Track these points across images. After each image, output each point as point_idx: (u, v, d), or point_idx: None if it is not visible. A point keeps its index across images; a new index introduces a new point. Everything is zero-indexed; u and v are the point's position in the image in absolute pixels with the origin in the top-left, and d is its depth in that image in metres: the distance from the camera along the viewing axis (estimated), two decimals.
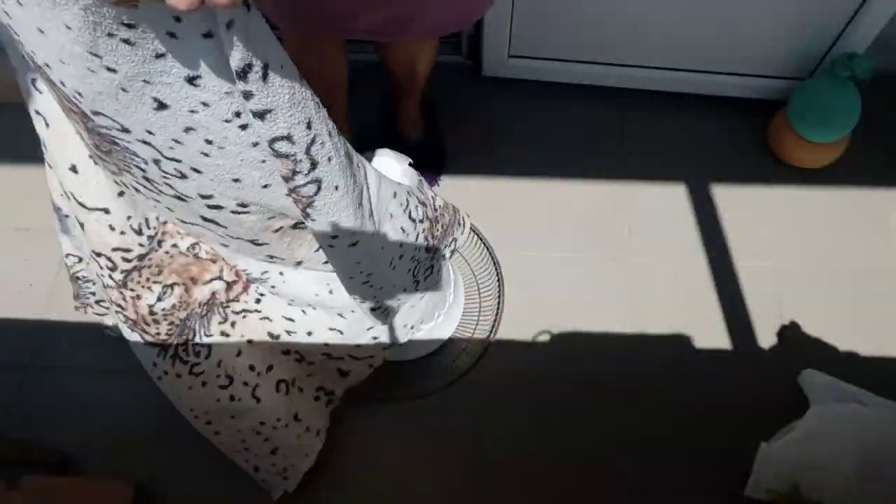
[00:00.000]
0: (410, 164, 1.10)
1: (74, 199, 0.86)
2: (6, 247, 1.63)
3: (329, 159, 0.74)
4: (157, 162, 0.71)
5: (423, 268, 1.09)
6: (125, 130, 0.67)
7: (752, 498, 1.31)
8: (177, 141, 0.68)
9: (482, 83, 1.79)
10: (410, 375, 1.46)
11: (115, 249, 0.89)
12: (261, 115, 0.65)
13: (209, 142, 0.68)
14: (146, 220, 0.91)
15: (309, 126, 0.70)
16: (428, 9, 1.14)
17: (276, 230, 0.87)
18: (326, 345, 1.11)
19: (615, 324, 1.52)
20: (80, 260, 1.19)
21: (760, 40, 1.59)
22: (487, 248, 1.60)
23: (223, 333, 1.07)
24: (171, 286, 0.98)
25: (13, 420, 1.44)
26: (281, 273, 0.99)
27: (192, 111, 0.65)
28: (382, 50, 1.44)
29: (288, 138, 0.68)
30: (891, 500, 1.20)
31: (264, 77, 0.63)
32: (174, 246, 0.96)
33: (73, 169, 0.83)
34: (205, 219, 0.82)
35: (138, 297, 0.96)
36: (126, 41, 0.57)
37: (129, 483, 1.33)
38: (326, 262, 0.92)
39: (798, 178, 1.67)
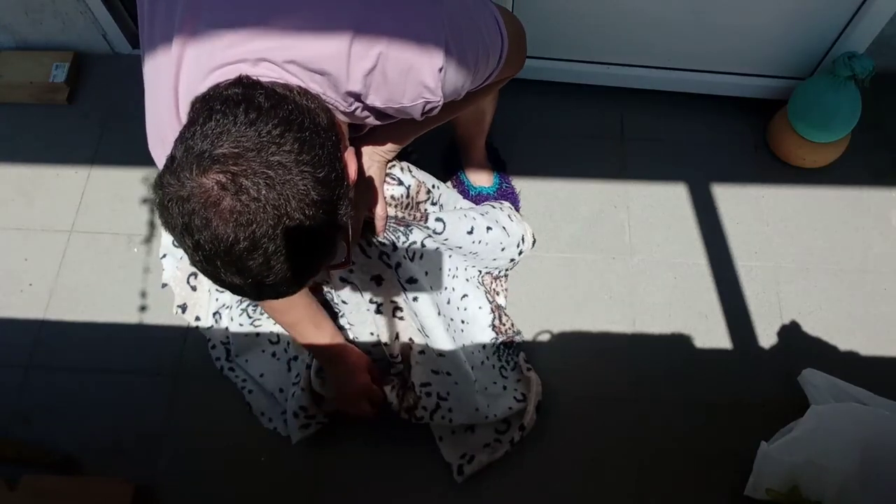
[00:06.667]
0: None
1: None
2: (6, 247, 1.63)
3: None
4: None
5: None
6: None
7: (752, 498, 1.31)
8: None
9: None
10: None
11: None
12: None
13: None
14: None
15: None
16: None
17: None
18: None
19: (615, 324, 1.52)
20: None
21: (760, 40, 1.59)
22: None
23: None
24: None
25: (13, 420, 1.44)
26: None
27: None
28: None
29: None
30: (891, 500, 1.20)
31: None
32: None
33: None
34: None
35: None
36: None
37: (129, 483, 1.33)
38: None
39: (798, 178, 1.67)
